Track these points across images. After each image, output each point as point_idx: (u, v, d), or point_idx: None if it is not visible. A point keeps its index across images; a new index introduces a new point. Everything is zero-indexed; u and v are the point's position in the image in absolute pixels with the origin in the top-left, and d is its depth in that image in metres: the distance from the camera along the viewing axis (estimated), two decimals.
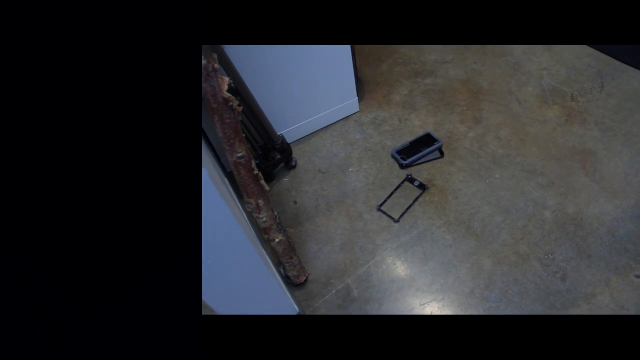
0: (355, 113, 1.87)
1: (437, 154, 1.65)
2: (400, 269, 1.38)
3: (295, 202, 1.64)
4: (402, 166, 1.63)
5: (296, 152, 1.76)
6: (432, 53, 2.07)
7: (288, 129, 1.76)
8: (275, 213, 1.28)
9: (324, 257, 1.44)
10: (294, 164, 1.73)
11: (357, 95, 1.83)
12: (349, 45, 1.62)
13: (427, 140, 1.68)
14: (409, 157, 1.63)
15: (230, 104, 1.07)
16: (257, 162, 1.54)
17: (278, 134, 1.63)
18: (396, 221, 1.49)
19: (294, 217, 1.57)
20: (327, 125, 1.84)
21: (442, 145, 1.66)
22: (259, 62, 1.49)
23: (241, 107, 1.12)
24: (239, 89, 1.36)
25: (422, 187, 1.57)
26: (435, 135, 1.69)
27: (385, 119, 1.82)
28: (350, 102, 1.82)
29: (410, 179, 1.59)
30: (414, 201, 1.54)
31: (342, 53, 1.63)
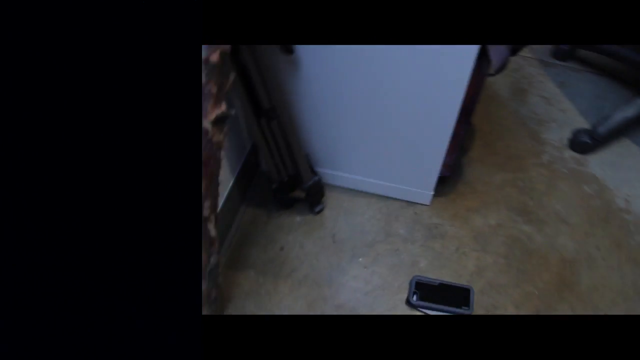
0: (421, 205, 1.52)
1: None
2: None
3: (282, 249, 1.40)
4: (408, 303, 1.30)
5: (331, 199, 1.50)
6: (558, 202, 1.60)
7: (339, 172, 1.48)
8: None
9: None
10: (318, 210, 1.47)
11: (437, 190, 1.48)
12: (450, 131, 1.26)
13: (458, 295, 1.31)
14: (422, 300, 1.28)
15: (209, 136, 0.84)
16: (276, 185, 1.31)
17: (316, 175, 1.37)
18: None
19: (263, 261, 1.35)
20: (383, 196, 1.53)
21: (470, 315, 1.29)
22: (338, 91, 1.22)
23: (224, 135, 0.88)
24: (277, 110, 1.11)
25: None
26: (474, 297, 1.31)
27: (444, 235, 1.46)
28: (423, 192, 1.48)
29: None
30: None
31: (439, 135, 1.28)
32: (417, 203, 1.52)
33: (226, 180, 1.37)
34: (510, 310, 1.32)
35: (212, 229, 0.99)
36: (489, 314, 1.31)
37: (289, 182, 1.37)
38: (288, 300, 1.29)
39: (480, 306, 1.32)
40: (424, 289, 1.31)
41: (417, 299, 1.28)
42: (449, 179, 1.58)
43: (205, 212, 0.95)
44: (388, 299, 1.31)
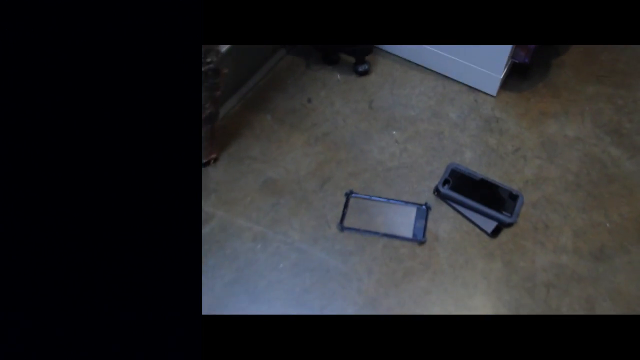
0: (485, 94, 1.25)
1: (490, 225, 1.03)
2: None
3: (309, 101, 1.20)
4: (436, 191, 1.07)
5: (381, 66, 1.27)
6: None
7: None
8: None
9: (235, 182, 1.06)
10: (361, 70, 1.25)
11: (510, 84, 1.20)
12: None
13: (501, 198, 1.06)
14: (455, 191, 1.05)
15: None
16: None
17: None
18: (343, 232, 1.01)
19: (285, 110, 1.17)
20: (442, 76, 1.27)
21: (511, 224, 1.04)
22: None
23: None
24: None
25: (416, 236, 1.02)
26: (520, 208, 1.06)
27: (504, 132, 1.19)
28: (489, 75, 1.20)
29: (420, 209, 1.04)
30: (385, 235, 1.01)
31: None
32: (481, 91, 1.25)
33: None
34: (567, 236, 1.05)
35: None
36: (536, 231, 1.05)
37: None
38: (297, 153, 1.11)
39: (528, 220, 1.06)
40: (459, 180, 1.07)
41: (448, 188, 1.05)
42: (528, 74, 1.28)
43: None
44: (414, 181, 1.09)
